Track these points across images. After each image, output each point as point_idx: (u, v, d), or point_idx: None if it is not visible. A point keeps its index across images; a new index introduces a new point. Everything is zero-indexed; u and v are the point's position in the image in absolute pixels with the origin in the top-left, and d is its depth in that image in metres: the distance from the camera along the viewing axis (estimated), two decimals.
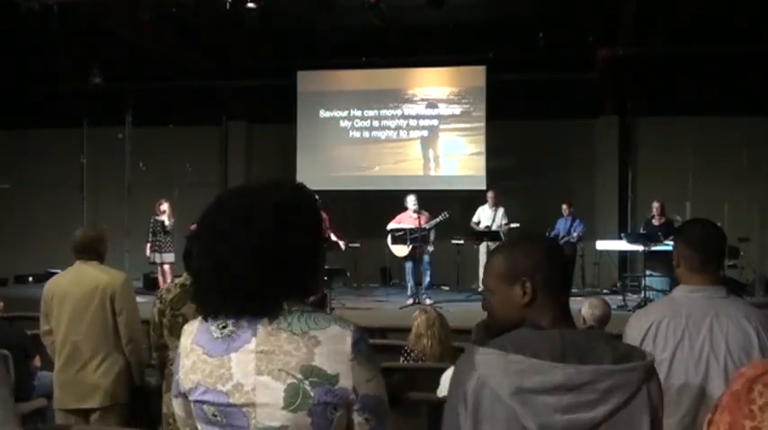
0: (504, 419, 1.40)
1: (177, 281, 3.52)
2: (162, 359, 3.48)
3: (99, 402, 3.66)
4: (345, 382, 1.37)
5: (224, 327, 1.42)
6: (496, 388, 1.40)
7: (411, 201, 9.24)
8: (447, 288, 10.77)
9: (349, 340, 1.39)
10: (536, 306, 1.49)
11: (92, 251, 3.80)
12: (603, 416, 1.39)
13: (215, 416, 1.39)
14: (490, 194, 10.14)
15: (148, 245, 9.82)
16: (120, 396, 3.72)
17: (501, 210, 10.05)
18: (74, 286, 3.73)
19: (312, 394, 1.35)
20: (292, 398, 1.35)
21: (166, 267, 9.72)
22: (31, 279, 11.60)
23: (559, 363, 1.39)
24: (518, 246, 1.58)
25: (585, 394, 1.38)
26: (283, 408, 1.35)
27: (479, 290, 10.01)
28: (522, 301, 1.50)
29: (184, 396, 1.45)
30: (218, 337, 1.41)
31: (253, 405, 1.36)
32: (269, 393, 1.36)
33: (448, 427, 1.47)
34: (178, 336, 3.37)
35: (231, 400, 1.37)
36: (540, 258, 1.51)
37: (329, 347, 1.37)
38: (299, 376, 1.35)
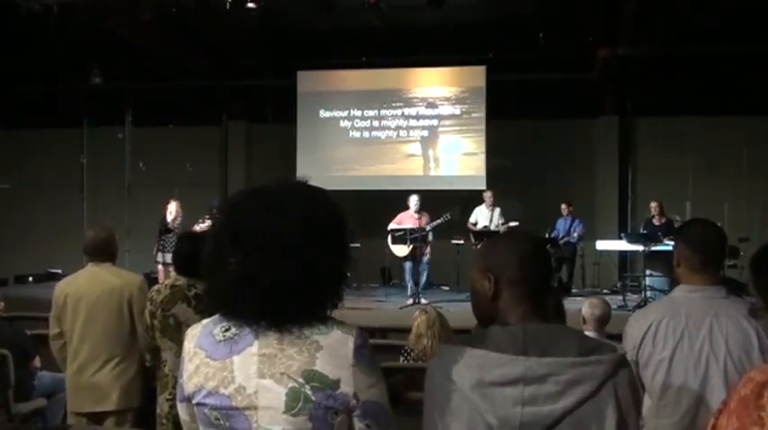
0: (467, 413, 1.41)
1: (167, 281, 3.51)
2: (155, 361, 3.47)
3: (115, 405, 3.64)
4: (346, 388, 1.36)
5: (227, 330, 1.41)
6: (459, 381, 1.41)
7: (413, 201, 9.24)
8: (447, 288, 10.76)
9: (351, 345, 1.38)
10: (503, 302, 1.50)
11: (104, 252, 3.76)
12: (566, 409, 1.37)
13: (217, 419, 1.38)
14: (488, 194, 10.09)
15: (156, 244, 9.84)
16: (134, 399, 3.70)
17: (497, 210, 10.00)
18: (89, 288, 3.68)
19: (313, 399, 1.35)
20: (293, 403, 1.34)
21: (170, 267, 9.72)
22: (31, 279, 11.60)
23: (520, 356, 1.39)
24: (496, 243, 1.63)
25: (547, 386, 1.37)
26: (284, 412, 1.35)
27: None
28: (488, 295, 1.51)
29: (188, 400, 1.44)
30: (220, 340, 1.40)
31: (255, 408, 1.36)
32: (271, 397, 1.35)
33: (425, 424, 1.50)
34: (170, 337, 3.41)
35: (233, 403, 1.37)
36: (508, 257, 1.51)
37: (331, 352, 1.37)
38: (301, 380, 1.35)
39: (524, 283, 1.50)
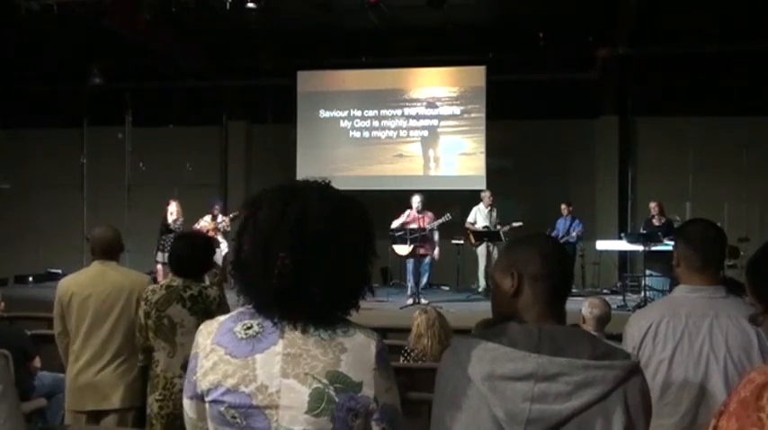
0: (476, 405, 1.42)
1: (163, 282, 3.51)
2: (147, 361, 3.46)
3: (118, 404, 3.63)
4: (368, 391, 1.38)
5: (248, 328, 1.40)
6: (471, 373, 1.42)
7: (415, 201, 9.26)
8: (447, 288, 10.76)
9: (373, 349, 1.40)
10: (523, 299, 1.52)
11: (112, 251, 3.76)
12: (574, 410, 1.38)
13: (234, 417, 1.37)
14: (487, 194, 10.07)
15: (157, 244, 9.84)
16: (136, 398, 3.68)
17: (495, 211, 10.02)
18: (97, 287, 3.67)
19: (336, 400, 1.35)
20: (316, 403, 1.35)
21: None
22: (31, 279, 11.61)
23: (533, 353, 1.40)
24: (519, 242, 1.64)
25: (557, 385, 1.38)
26: (306, 412, 1.34)
27: (479, 290, 10.03)
28: (510, 292, 1.52)
29: (201, 397, 1.41)
30: (242, 338, 1.39)
31: (276, 407, 1.35)
32: (294, 396, 1.35)
33: (433, 414, 1.51)
34: (164, 338, 3.41)
35: (254, 402, 1.36)
36: (531, 253, 1.53)
37: (355, 355, 1.38)
38: (325, 381, 1.35)
39: (546, 280, 1.51)
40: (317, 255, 1.36)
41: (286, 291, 1.36)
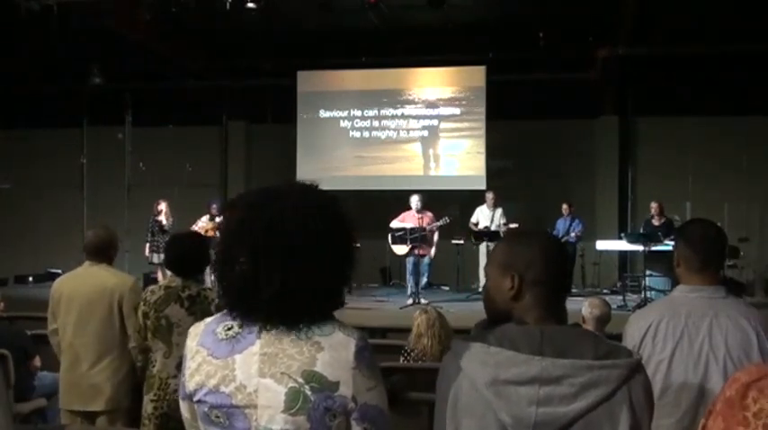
0: (481, 411, 1.40)
1: (162, 282, 3.53)
2: (145, 361, 3.47)
3: (103, 405, 3.65)
4: (345, 390, 1.37)
5: (229, 329, 1.42)
6: (474, 378, 1.41)
7: (414, 201, 9.28)
8: (447, 288, 10.76)
9: (352, 348, 1.39)
10: (523, 302, 1.49)
11: (102, 253, 3.78)
12: (580, 412, 1.37)
13: (218, 417, 1.39)
14: (490, 195, 10.13)
15: (147, 245, 9.84)
16: (123, 400, 3.70)
17: (499, 211, 10.04)
18: (82, 288, 3.71)
19: (312, 399, 1.35)
20: (293, 402, 1.35)
21: None
22: (31, 279, 11.60)
23: (536, 356, 1.38)
24: (519, 241, 1.59)
25: (562, 387, 1.37)
26: (283, 412, 1.35)
27: (480, 290, 10.03)
28: (509, 294, 1.49)
29: (190, 398, 1.44)
30: (222, 339, 1.41)
31: (254, 407, 1.37)
32: (270, 396, 1.36)
33: (436, 419, 1.49)
34: (162, 338, 3.42)
35: (233, 402, 1.37)
36: (533, 256, 1.49)
37: (332, 354, 1.37)
38: (301, 380, 1.36)
39: (548, 283, 1.48)
40: (295, 258, 1.36)
41: (242, 292, 1.38)
